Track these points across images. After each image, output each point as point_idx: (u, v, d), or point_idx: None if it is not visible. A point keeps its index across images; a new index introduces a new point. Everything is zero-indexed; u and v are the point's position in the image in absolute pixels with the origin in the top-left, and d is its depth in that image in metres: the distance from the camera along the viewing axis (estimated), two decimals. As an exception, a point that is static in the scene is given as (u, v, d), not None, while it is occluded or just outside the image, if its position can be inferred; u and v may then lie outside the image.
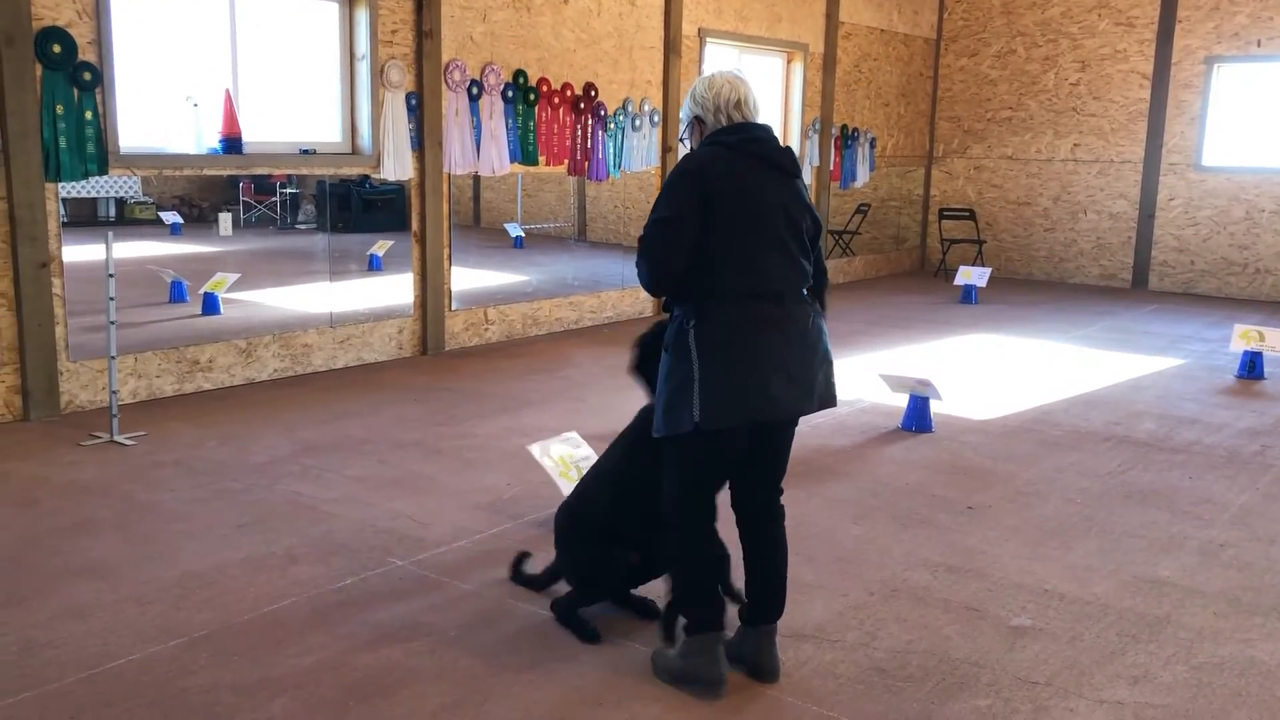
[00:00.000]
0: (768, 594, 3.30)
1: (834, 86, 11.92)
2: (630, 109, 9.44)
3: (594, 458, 4.61)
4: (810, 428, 6.02)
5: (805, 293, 3.20)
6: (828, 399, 3.23)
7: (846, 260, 12.74)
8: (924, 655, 3.49)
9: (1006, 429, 6.30)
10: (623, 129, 9.41)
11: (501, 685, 3.24)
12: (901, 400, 6.40)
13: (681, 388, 3.05)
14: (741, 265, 3.06)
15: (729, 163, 3.10)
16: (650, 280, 3.14)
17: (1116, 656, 3.51)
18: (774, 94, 11.59)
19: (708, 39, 10.27)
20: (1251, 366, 7.83)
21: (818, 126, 11.76)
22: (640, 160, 9.67)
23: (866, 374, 7.31)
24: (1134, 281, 12.51)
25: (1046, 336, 9.21)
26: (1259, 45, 11.51)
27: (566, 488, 4.43)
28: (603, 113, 9.16)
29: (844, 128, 12.19)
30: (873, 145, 12.72)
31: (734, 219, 3.05)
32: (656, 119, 9.75)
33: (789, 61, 11.53)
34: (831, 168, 12.04)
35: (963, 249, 13.14)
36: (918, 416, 6.24)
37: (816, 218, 3.28)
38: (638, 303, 9.94)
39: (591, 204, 11.26)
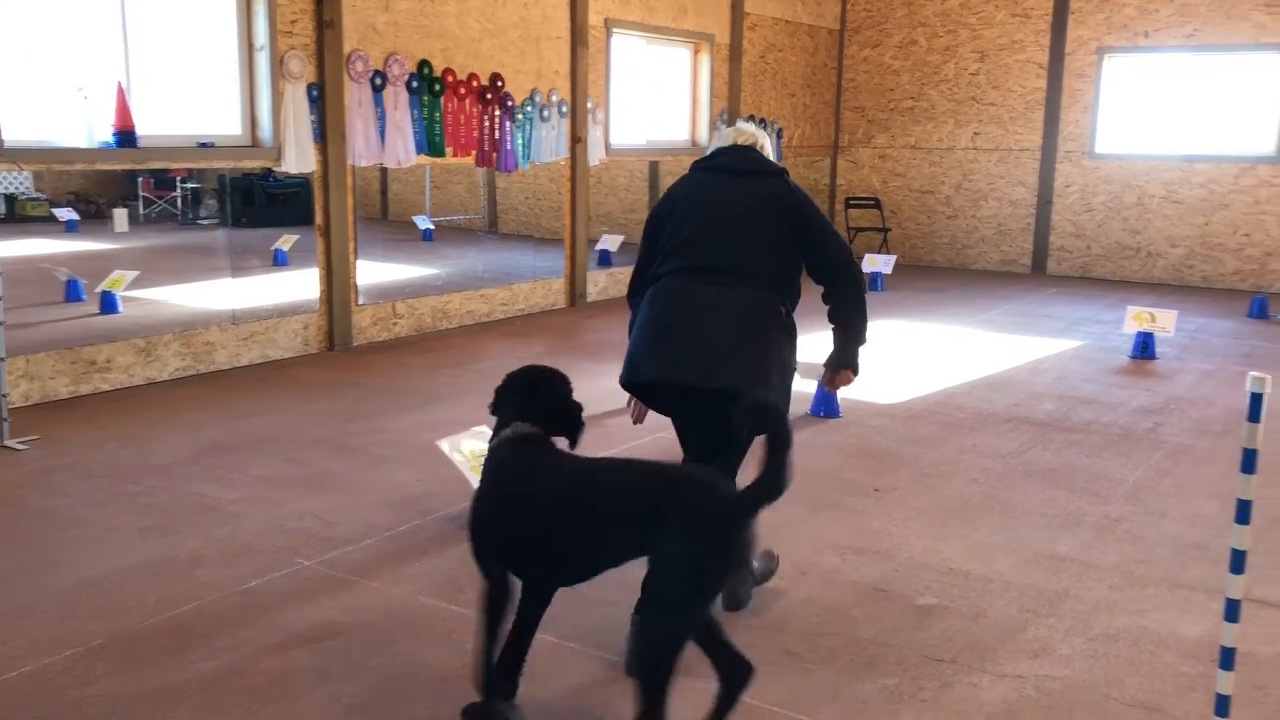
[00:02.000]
0: None
1: (740, 77, 12.01)
2: (538, 100, 9.39)
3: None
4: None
5: (754, 277, 3.34)
6: (729, 383, 3.15)
7: (756, 249, 12.85)
8: (833, 637, 3.55)
9: (912, 412, 6.43)
10: (531, 120, 9.36)
11: (413, 684, 3.21)
12: (810, 386, 6.49)
13: None
14: (671, 252, 3.41)
15: (690, 180, 3.58)
16: (629, 302, 3.66)
17: (1018, 631, 3.62)
18: (682, 85, 11.63)
19: (614, 29, 10.26)
20: (1144, 347, 8.11)
21: (725, 117, 11.84)
22: (550, 151, 9.62)
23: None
24: (1033, 266, 12.86)
25: (950, 321, 9.42)
26: (1146, 36, 11.90)
27: (477, 482, 4.40)
28: (510, 103, 9.10)
29: (751, 118, 12.29)
30: (779, 135, 12.85)
31: (681, 219, 3.43)
32: (565, 110, 9.71)
33: (696, 52, 11.59)
34: (740, 157, 12.12)
35: (868, 237, 13.36)
36: (826, 402, 6.33)
37: (793, 200, 3.44)
38: (550, 294, 9.91)
39: (503, 195, 11.19)
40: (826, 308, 3.58)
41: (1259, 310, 9.99)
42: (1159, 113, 12.16)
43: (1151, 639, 3.58)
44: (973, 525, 4.62)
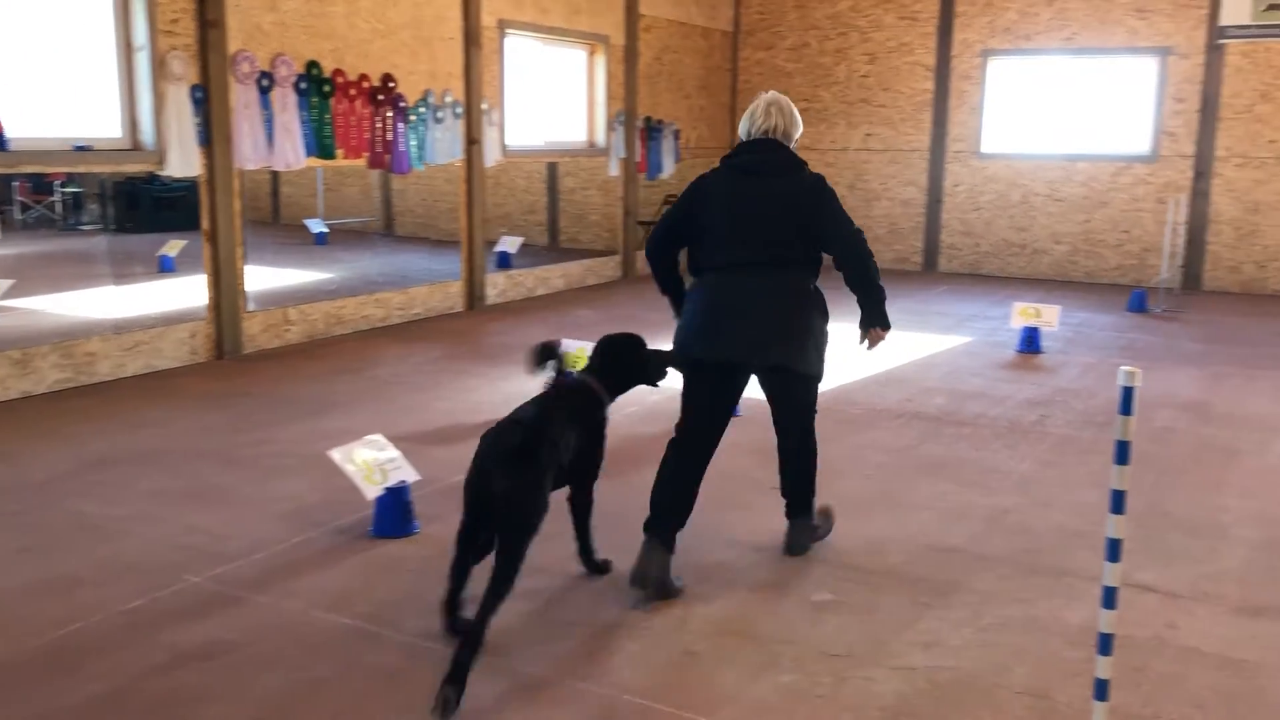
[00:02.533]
0: (786, 495, 4.29)
1: (636, 79, 12.04)
2: (432, 101, 9.28)
3: (399, 459, 4.52)
4: (622, 416, 6.08)
5: (785, 265, 3.95)
6: (779, 361, 3.97)
7: (655, 250, 12.90)
8: (732, 635, 3.57)
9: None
10: (425, 121, 9.24)
11: (306, 701, 3.14)
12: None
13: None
14: (711, 248, 4.01)
15: (719, 176, 4.08)
16: (647, 253, 4.24)
17: (911, 624, 3.69)
18: (578, 86, 11.62)
19: (508, 30, 10.20)
20: (1030, 341, 8.36)
21: (622, 119, 11.86)
22: (445, 153, 9.52)
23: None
24: (925, 264, 13.16)
25: (844, 319, 9.55)
26: (1028, 40, 12.27)
27: (371, 492, 4.33)
28: (402, 104, 8.97)
29: (648, 120, 12.34)
30: (677, 137, 12.92)
31: (714, 219, 4.00)
32: (459, 111, 9.61)
33: (591, 54, 11.58)
34: (638, 159, 12.17)
35: (766, 236, 13.51)
36: (725, 402, 6.37)
37: (808, 199, 3.97)
38: (448, 298, 9.80)
39: (398, 198, 11.03)
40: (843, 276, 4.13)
41: (1138, 304, 10.38)
42: (1041, 113, 12.56)
43: (1038, 627, 3.68)
44: (867, 520, 4.70)
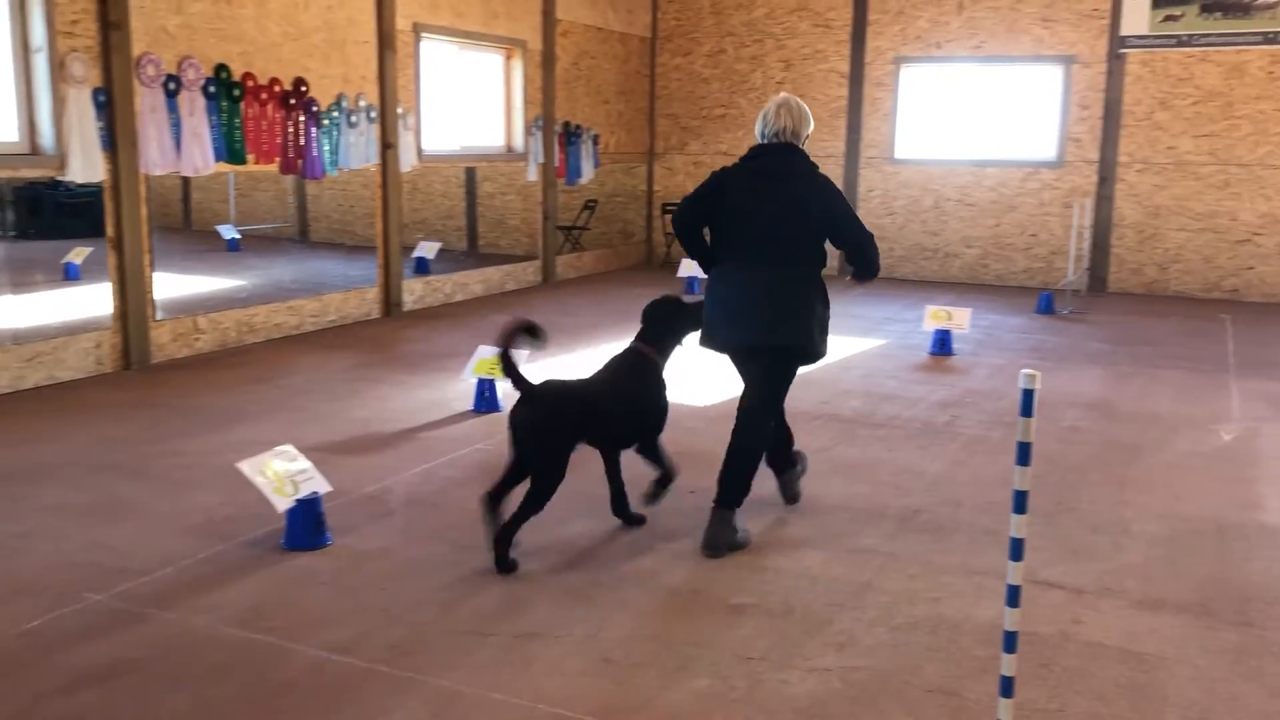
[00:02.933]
0: (721, 481, 4.50)
1: (555, 84, 12.02)
2: (345, 105, 9.16)
3: (311, 470, 4.44)
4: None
5: (795, 259, 4.46)
6: (785, 341, 4.46)
7: (576, 256, 12.90)
8: (649, 641, 3.58)
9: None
10: (338, 125, 9.11)
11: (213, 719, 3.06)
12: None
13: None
14: (728, 243, 4.52)
15: (737, 175, 4.50)
16: (676, 224, 4.63)
17: (825, 625, 3.73)
18: (496, 91, 11.56)
19: (423, 34, 10.11)
20: (942, 344, 8.52)
21: (540, 123, 11.83)
22: (359, 157, 9.39)
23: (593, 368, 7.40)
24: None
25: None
26: (939, 48, 12.52)
27: (282, 504, 4.25)
28: (315, 108, 8.83)
29: (566, 124, 12.33)
30: (595, 142, 12.92)
31: (732, 216, 4.48)
32: (374, 115, 9.50)
33: (508, 58, 11.53)
34: (556, 164, 12.14)
35: (686, 241, 13.58)
36: (643, 407, 6.39)
37: (817, 204, 4.42)
38: (364, 304, 9.67)
39: (313, 203, 10.85)
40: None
41: (1046, 306, 10.65)
42: (953, 120, 12.83)
43: (948, 625, 3.75)
44: (784, 522, 4.75)
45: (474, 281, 11.18)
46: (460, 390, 6.82)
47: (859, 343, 8.92)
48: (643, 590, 3.99)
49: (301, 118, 8.72)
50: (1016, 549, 2.61)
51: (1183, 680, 3.39)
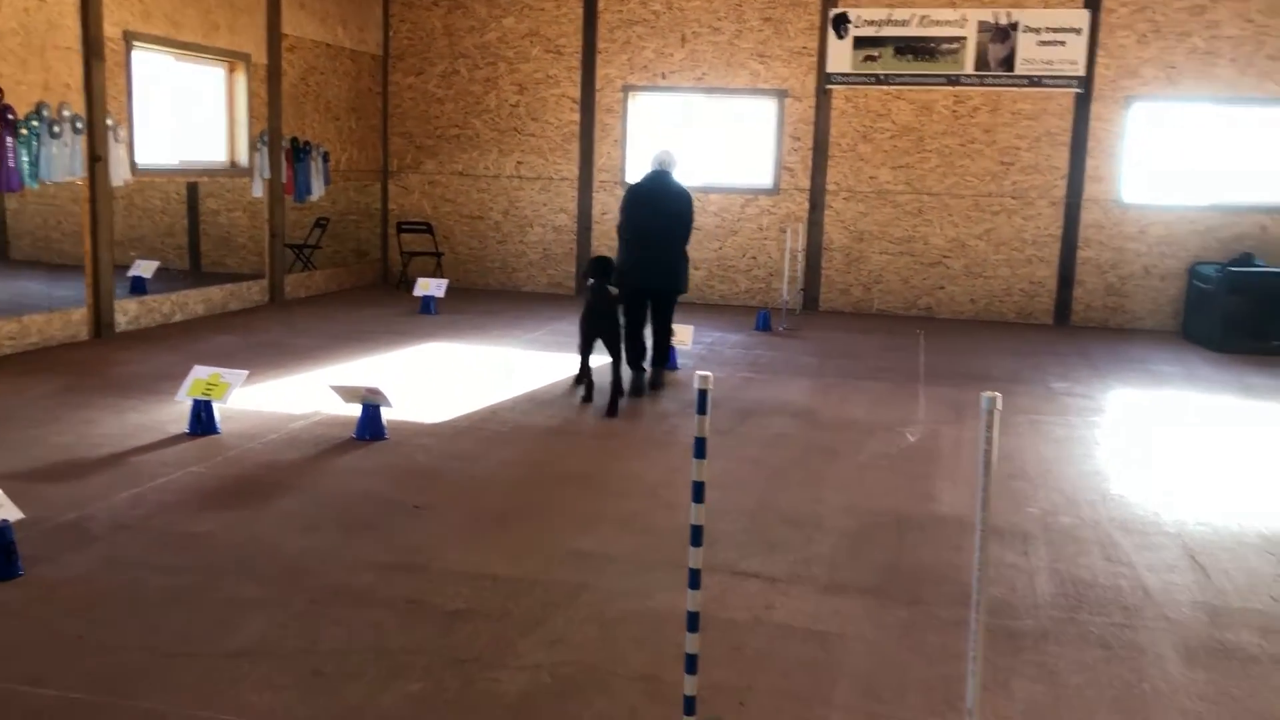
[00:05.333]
0: (654, 355, 8.21)
1: (281, 99, 11.72)
2: (47, 114, 8.60)
3: (1, 498, 4.19)
4: (261, 445, 5.92)
5: (675, 242, 8.06)
6: (677, 287, 8.09)
7: (307, 275, 12.58)
8: (363, 652, 3.61)
9: (457, 430, 6.63)
10: (39, 135, 8.54)
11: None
12: (355, 410, 6.50)
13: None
14: (638, 232, 7.93)
15: (640, 189, 8.11)
16: (622, 218, 8.17)
17: (539, 625, 3.88)
18: (218, 105, 11.15)
19: (135, 43, 9.63)
20: (669, 360, 8.90)
21: (266, 139, 11.50)
22: (64, 170, 8.83)
23: (321, 388, 7.31)
24: (577, 289, 13.66)
25: (499, 342, 9.80)
26: (664, 78, 13.12)
27: None
28: (11, 117, 8.25)
29: (295, 140, 12.04)
30: (326, 159, 12.67)
31: (638, 219, 7.94)
32: (80, 125, 8.96)
33: (231, 71, 11.16)
34: (284, 180, 11.83)
35: (423, 261, 13.54)
36: (370, 425, 6.37)
37: (683, 211, 8.07)
38: (70, 326, 9.08)
39: (13, 218, 10.07)
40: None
41: (764, 323, 11.33)
42: (680, 147, 13.39)
43: (655, 617, 3.99)
44: (507, 531, 4.88)
45: (195, 301, 10.71)
46: (174, 413, 6.55)
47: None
48: (359, 604, 4.01)
49: (-5, 126, 8.13)
50: (696, 535, 2.85)
51: (857, 654, 3.76)
